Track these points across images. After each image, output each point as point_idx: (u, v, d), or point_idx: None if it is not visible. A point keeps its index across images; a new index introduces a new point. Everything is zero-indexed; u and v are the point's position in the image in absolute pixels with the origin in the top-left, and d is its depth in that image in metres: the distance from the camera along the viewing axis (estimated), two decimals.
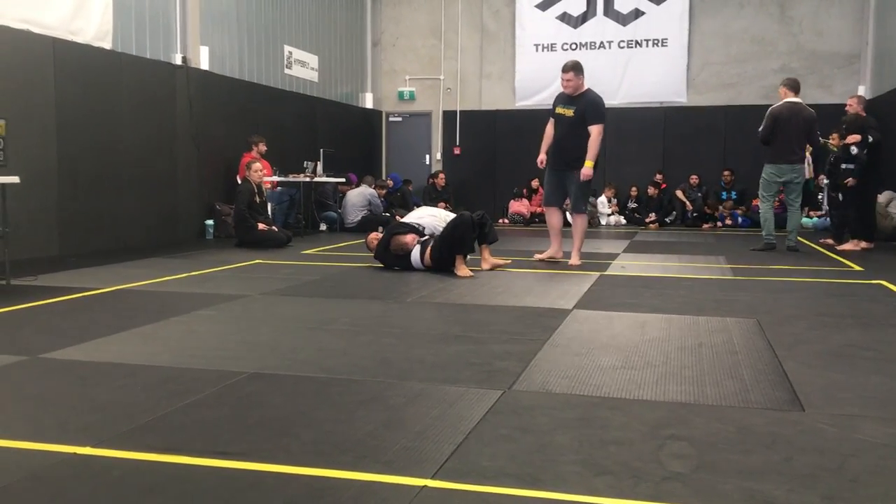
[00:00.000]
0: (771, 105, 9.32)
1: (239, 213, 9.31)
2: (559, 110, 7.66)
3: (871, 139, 9.11)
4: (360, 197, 12.30)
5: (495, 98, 15.42)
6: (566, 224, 8.14)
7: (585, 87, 7.64)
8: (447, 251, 6.80)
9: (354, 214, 12.13)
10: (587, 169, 7.41)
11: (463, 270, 6.68)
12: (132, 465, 2.43)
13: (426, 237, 7.17)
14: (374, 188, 12.71)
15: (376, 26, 15.97)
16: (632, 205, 14.36)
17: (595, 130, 7.42)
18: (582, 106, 7.49)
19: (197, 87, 10.25)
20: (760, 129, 8.94)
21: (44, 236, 8.03)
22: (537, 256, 7.89)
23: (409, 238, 7.10)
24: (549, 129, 7.79)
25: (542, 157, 7.76)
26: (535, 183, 14.04)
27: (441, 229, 7.08)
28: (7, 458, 2.49)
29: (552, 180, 7.80)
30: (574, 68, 7.59)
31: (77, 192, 8.45)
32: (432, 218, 7.50)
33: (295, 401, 3.10)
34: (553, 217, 7.92)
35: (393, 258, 7.13)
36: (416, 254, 7.00)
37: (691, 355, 3.88)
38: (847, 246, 9.28)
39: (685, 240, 11.08)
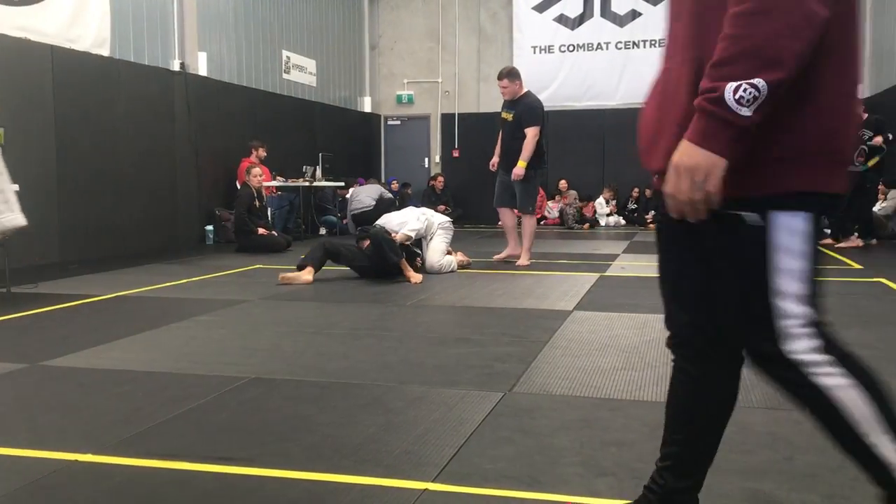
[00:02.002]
0: None
1: (239, 218, 9.32)
2: (503, 115, 7.91)
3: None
4: (372, 191, 11.73)
5: (493, 100, 15.34)
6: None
7: (524, 91, 7.83)
8: (378, 256, 6.62)
9: (360, 204, 11.41)
10: (518, 168, 7.59)
11: (412, 276, 6.56)
12: (133, 471, 2.43)
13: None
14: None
15: (374, 30, 15.99)
16: (632, 205, 14.37)
17: (530, 132, 7.60)
18: (519, 109, 7.71)
19: (195, 93, 10.26)
20: None
21: (44, 243, 8.03)
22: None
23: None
24: (502, 133, 8.07)
25: (494, 160, 8.05)
26: None
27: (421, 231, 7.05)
28: (7, 465, 2.49)
29: (501, 182, 7.99)
30: (508, 75, 7.78)
31: (76, 199, 8.45)
32: (402, 222, 7.29)
33: (295, 405, 3.10)
34: (505, 217, 8.10)
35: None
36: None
37: None
38: (843, 244, 9.31)
39: None
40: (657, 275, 1.74)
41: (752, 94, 1.32)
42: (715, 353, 1.66)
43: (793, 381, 1.54)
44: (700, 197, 1.40)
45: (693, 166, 1.38)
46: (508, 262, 7.86)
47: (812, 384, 1.50)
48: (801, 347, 1.51)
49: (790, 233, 1.48)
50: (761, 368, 1.58)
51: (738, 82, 1.32)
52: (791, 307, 1.52)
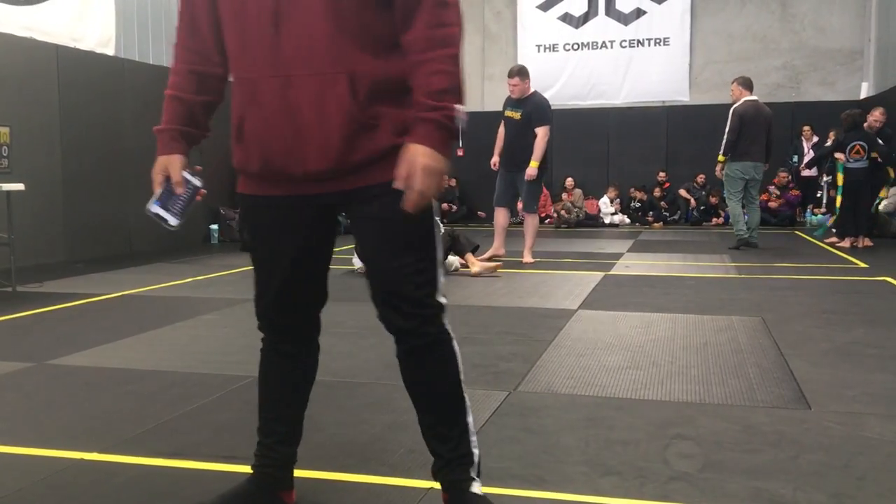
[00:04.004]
0: (771, 102, 9.38)
1: None
2: (508, 113, 7.92)
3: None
4: None
5: (498, 99, 15.24)
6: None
7: (532, 90, 7.88)
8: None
9: None
10: (531, 169, 7.63)
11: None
12: (139, 470, 2.44)
13: None
14: None
15: None
16: (635, 204, 14.33)
17: (541, 132, 7.65)
18: (528, 109, 7.72)
19: None
20: (728, 128, 8.95)
21: (49, 242, 8.05)
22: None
23: None
24: (501, 132, 8.06)
25: (495, 159, 8.07)
26: None
27: None
28: (14, 464, 2.50)
29: (504, 181, 8.02)
30: (519, 73, 7.81)
31: (82, 197, 8.47)
32: None
33: None
34: (500, 217, 8.14)
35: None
36: None
37: (696, 354, 3.88)
38: (843, 243, 9.27)
39: (689, 238, 11.07)
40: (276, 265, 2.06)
41: (463, 115, 1.78)
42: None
43: (440, 337, 1.95)
44: (438, 191, 1.79)
45: (439, 168, 1.76)
46: (496, 260, 7.84)
47: (450, 336, 1.96)
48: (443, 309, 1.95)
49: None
50: (420, 329, 1.93)
51: (459, 106, 1.75)
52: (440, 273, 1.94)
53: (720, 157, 9.11)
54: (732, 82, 9.32)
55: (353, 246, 8.81)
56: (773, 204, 13.07)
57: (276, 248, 2.01)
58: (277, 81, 1.77)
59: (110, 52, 8.95)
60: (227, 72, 1.96)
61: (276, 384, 2.17)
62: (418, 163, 1.73)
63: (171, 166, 2.00)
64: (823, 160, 10.58)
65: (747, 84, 9.12)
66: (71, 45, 8.38)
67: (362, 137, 1.79)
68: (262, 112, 1.81)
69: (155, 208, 1.97)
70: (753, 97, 9.05)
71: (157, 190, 1.98)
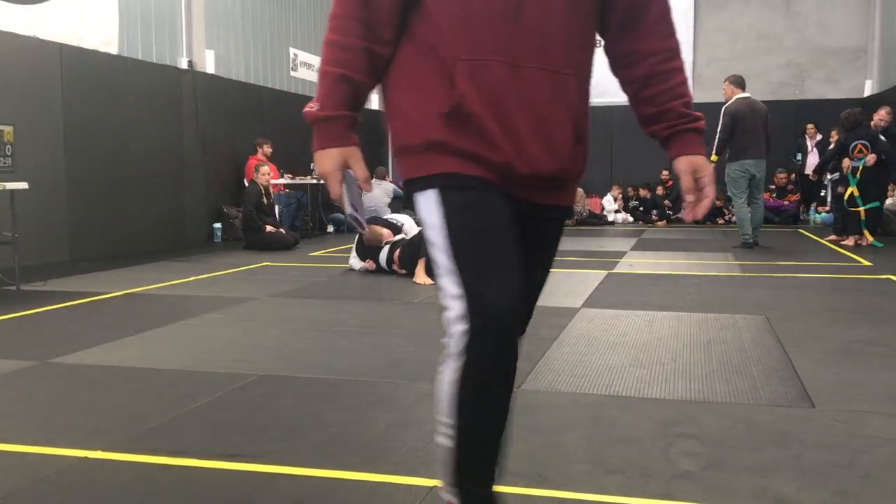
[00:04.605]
0: (775, 100, 9.34)
1: (247, 216, 9.34)
2: None
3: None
4: (381, 192, 11.62)
5: None
6: None
7: None
8: (412, 255, 6.56)
9: (381, 211, 10.73)
10: None
11: (421, 277, 6.35)
12: (142, 468, 2.44)
13: (400, 237, 7.05)
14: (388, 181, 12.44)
15: None
16: (633, 202, 14.31)
17: None
18: None
19: (203, 91, 10.28)
20: (719, 128, 8.85)
21: (53, 241, 8.06)
22: None
23: (386, 232, 7.05)
24: None
25: None
26: None
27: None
28: (17, 462, 2.50)
29: None
30: None
31: (85, 196, 8.48)
32: (412, 220, 7.35)
33: (304, 403, 3.11)
34: None
35: (364, 248, 7.04)
36: (384, 253, 6.89)
37: (700, 353, 3.88)
38: (846, 241, 9.25)
39: (693, 237, 11.05)
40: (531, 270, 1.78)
41: None
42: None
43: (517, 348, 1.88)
44: None
45: None
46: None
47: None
48: None
49: None
50: (516, 341, 1.81)
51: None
52: None
53: (712, 157, 9.04)
54: (724, 81, 9.24)
55: (350, 246, 8.82)
56: (793, 197, 13.02)
57: (509, 227, 1.62)
58: (504, 67, 1.55)
59: (113, 51, 8.96)
60: (391, 53, 1.63)
61: (504, 409, 1.84)
62: (707, 172, 1.76)
63: (353, 160, 1.61)
64: (828, 164, 10.53)
65: (739, 82, 9.04)
66: (74, 44, 8.38)
67: (577, 148, 1.67)
68: (491, 96, 1.55)
69: (353, 212, 1.63)
70: (746, 94, 8.96)
71: (340, 189, 1.60)
